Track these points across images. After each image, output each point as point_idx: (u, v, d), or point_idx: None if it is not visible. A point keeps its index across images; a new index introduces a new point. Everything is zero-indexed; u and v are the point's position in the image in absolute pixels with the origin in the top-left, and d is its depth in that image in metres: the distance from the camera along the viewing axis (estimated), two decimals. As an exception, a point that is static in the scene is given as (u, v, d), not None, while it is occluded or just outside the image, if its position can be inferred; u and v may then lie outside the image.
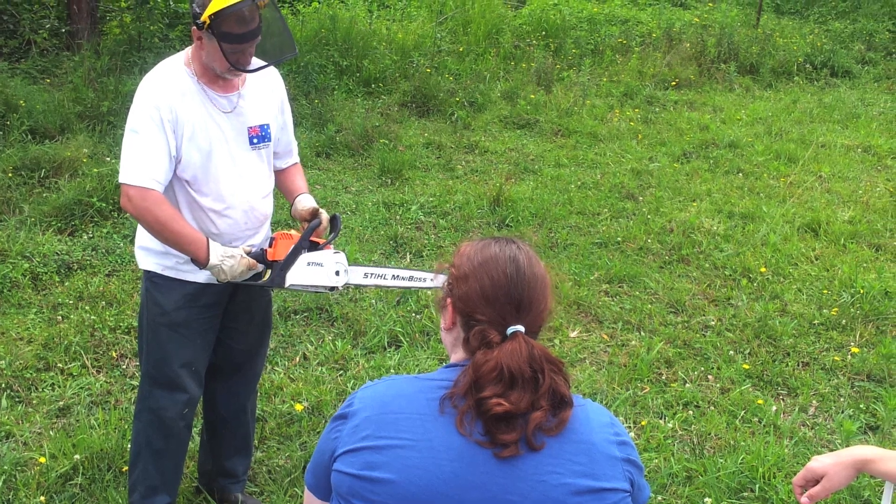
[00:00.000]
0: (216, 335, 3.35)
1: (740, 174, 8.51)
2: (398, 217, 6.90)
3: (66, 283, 5.45)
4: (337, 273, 3.10)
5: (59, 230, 6.10)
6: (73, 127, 7.78)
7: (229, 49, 2.88)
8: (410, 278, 3.32)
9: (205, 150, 3.02)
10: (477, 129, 9.58)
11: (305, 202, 3.33)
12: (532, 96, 10.66)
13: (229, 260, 2.98)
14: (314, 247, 3.12)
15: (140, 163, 2.91)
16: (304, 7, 12.42)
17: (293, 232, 3.18)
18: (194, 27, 2.92)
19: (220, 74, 3.02)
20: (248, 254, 3.07)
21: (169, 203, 2.98)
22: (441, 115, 9.84)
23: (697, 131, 9.96)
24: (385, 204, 7.15)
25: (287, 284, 3.05)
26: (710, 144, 9.40)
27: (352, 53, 10.63)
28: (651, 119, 10.49)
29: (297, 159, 3.54)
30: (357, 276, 3.20)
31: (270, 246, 3.13)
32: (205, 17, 2.85)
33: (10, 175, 6.67)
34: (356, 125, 8.75)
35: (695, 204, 7.55)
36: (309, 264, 3.06)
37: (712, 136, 9.70)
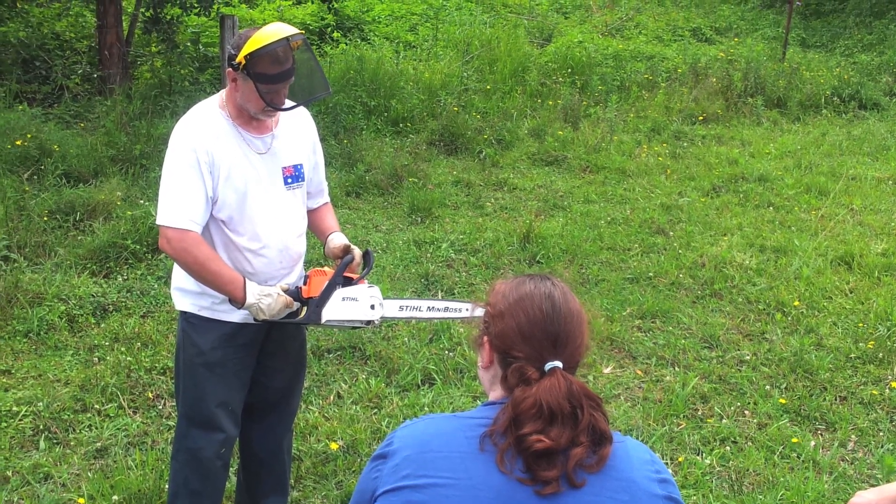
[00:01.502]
0: (252, 374, 3.36)
1: (771, 208, 8.47)
2: (429, 255, 6.92)
3: (102, 325, 5.50)
4: (372, 307, 3.10)
5: (94, 272, 6.16)
6: (106, 170, 7.87)
7: (264, 89, 2.94)
8: (446, 309, 3.31)
9: (240, 191, 3.06)
10: (505, 166, 9.60)
11: (337, 240, 3.35)
12: (559, 133, 10.68)
13: (266, 298, 3.02)
14: (348, 282, 3.14)
15: (178, 204, 2.96)
16: (331, 49, 12.57)
17: (327, 269, 3.20)
18: (230, 69, 2.98)
19: (254, 115, 3.07)
20: (285, 291, 3.10)
21: (207, 244, 3.02)
22: (469, 153, 9.88)
23: (726, 165, 9.93)
24: (415, 242, 7.17)
25: (323, 320, 3.06)
26: (740, 178, 9.38)
27: (379, 93, 10.71)
28: (679, 154, 10.48)
29: (328, 199, 3.57)
30: (392, 309, 3.21)
31: (305, 283, 3.15)
32: (240, 57, 2.91)
33: (45, 219, 6.76)
34: (385, 164, 8.81)
35: (726, 238, 7.52)
36: (344, 299, 3.07)
37: (741, 170, 9.67)
